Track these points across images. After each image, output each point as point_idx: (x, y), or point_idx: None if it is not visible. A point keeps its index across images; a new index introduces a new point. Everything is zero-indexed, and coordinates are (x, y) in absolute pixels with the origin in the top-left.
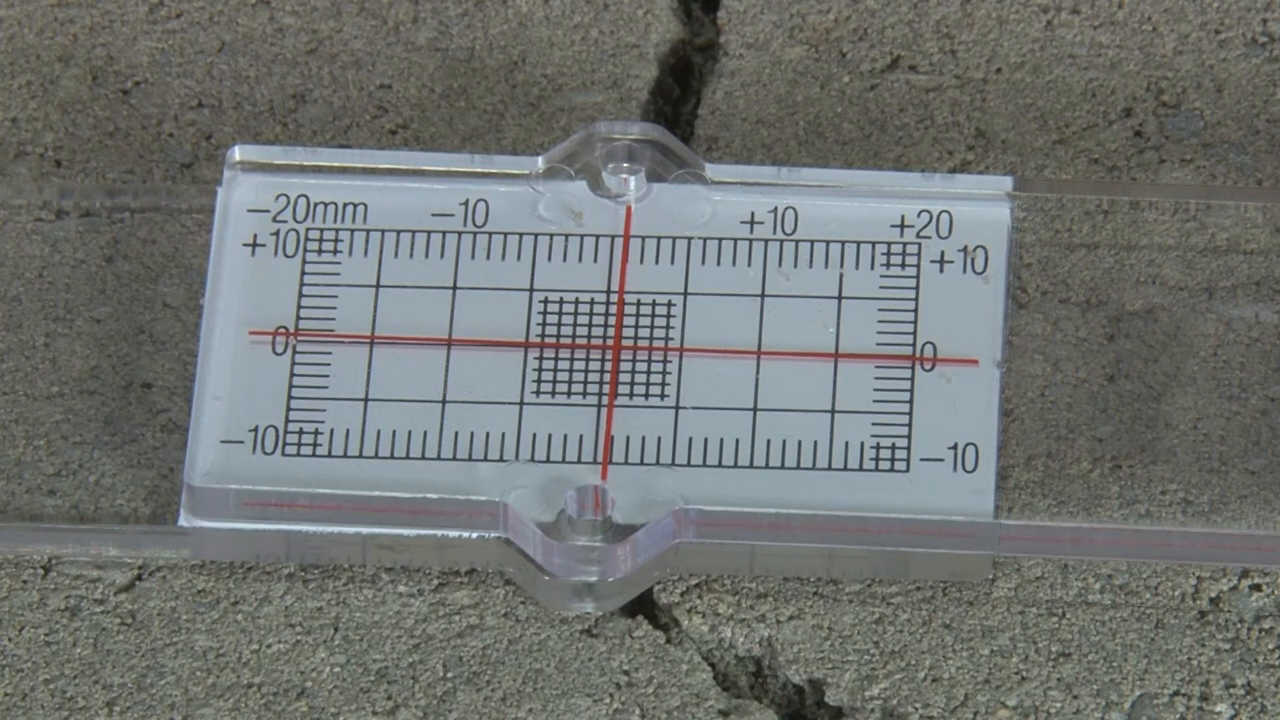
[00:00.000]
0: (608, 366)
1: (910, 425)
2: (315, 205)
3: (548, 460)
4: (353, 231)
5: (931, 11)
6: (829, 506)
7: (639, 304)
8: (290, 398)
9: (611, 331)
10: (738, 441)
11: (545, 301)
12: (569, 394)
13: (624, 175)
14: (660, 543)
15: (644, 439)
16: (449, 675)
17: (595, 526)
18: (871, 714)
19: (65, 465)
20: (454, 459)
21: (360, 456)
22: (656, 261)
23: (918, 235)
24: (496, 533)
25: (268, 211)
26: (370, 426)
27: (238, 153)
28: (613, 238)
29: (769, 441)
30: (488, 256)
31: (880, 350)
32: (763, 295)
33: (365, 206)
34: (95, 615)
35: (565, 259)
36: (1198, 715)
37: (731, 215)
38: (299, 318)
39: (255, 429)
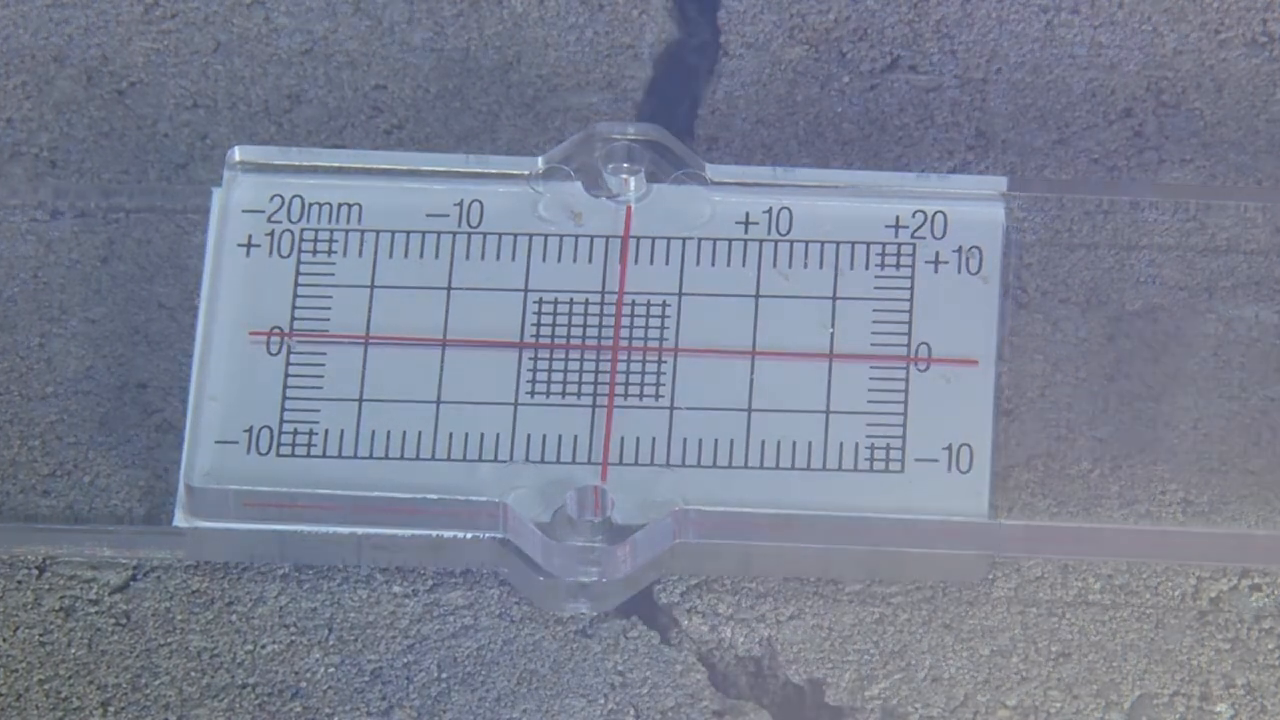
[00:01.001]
0: (605, 367)
1: (904, 426)
2: (310, 206)
3: (544, 461)
4: (347, 232)
5: (931, 11)
6: (824, 507)
7: (634, 304)
8: (285, 398)
9: (610, 332)
10: (732, 442)
11: (540, 302)
12: (564, 394)
13: (624, 175)
14: (660, 543)
15: (638, 440)
16: (443, 676)
17: (595, 527)
18: (871, 714)
19: (60, 465)
20: (449, 459)
21: (355, 457)
22: (651, 262)
23: (912, 235)
24: (496, 533)
25: (262, 212)
26: (365, 427)
27: (238, 153)
28: (608, 238)
29: (764, 442)
30: (482, 257)
31: (875, 351)
32: (757, 296)
33: (360, 207)
34: (90, 615)
35: (562, 259)
36: (1198, 715)
37: (730, 216)
38: (294, 318)
39: (250, 429)
